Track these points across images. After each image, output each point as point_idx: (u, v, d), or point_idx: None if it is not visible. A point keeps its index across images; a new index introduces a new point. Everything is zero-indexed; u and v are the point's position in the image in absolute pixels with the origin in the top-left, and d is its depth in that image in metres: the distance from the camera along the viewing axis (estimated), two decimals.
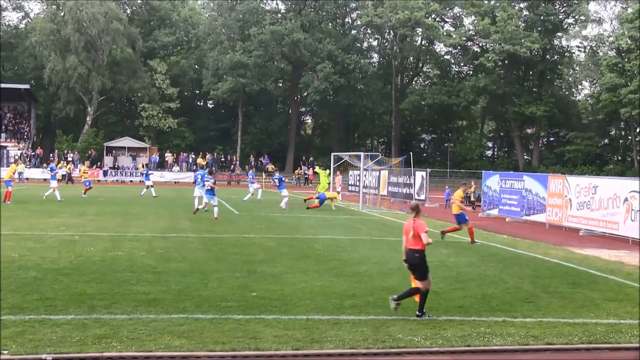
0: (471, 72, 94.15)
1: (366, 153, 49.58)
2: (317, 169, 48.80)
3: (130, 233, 24.64)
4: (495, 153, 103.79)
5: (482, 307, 13.72)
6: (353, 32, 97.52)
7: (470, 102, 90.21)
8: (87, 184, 47.43)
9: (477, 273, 17.79)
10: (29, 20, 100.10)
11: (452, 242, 24.35)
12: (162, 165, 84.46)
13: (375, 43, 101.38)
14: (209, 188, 32.43)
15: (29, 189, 53.86)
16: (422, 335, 11.42)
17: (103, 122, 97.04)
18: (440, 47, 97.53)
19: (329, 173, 49.11)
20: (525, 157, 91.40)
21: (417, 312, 12.71)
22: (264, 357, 10.18)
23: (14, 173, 40.34)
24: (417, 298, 12.89)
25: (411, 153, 44.40)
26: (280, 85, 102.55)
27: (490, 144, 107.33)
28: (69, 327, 11.22)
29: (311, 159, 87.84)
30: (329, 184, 47.73)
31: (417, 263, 12.94)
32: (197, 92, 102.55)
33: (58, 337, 10.59)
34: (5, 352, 9.84)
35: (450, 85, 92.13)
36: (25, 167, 75.82)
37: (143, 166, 53.30)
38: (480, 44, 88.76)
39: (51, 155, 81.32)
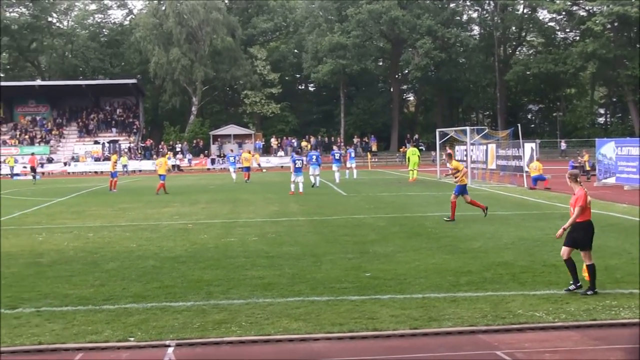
0: (578, 38, 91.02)
1: (472, 127, 49.05)
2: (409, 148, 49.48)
3: (241, 219, 24.94)
4: (608, 120, 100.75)
5: (606, 279, 13.20)
6: (452, 5, 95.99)
7: (578, 69, 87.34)
8: (246, 170, 49.72)
9: (597, 244, 17.08)
10: (133, 17, 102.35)
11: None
12: (267, 150, 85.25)
13: (475, 15, 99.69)
14: (300, 167, 35.92)
15: (141, 181, 55.17)
16: (543, 310, 11.17)
17: (208, 111, 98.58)
18: (543, 14, 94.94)
19: (421, 151, 49.24)
20: None
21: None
22: (382, 337, 10.13)
23: (115, 163, 42.56)
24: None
25: (518, 125, 43.48)
26: (381, 64, 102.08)
27: (602, 111, 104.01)
28: (189, 313, 11.43)
29: (416, 136, 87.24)
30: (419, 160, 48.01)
31: None
32: (298, 76, 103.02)
33: (180, 324, 10.80)
34: (132, 339, 10.10)
35: (556, 53, 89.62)
36: (137, 159, 77.77)
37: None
38: (587, 8, 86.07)
39: (159, 146, 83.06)
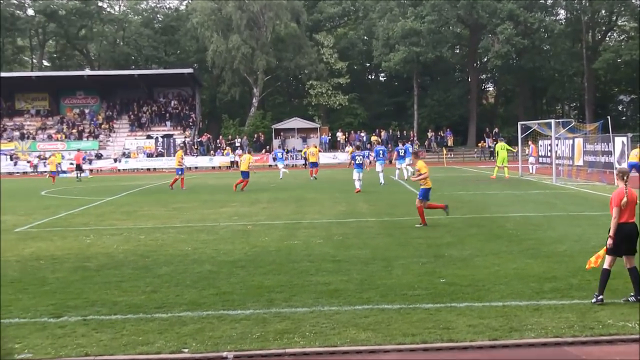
0: None
1: (557, 120, 48.44)
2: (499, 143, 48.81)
3: (306, 220, 25.00)
4: None
5: None
6: None
7: None
8: (313, 165, 51.34)
9: None
10: (190, 1, 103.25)
11: None
12: (334, 145, 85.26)
13: None
14: (360, 162, 36.47)
15: (198, 178, 55.67)
16: (636, 321, 10.97)
17: (270, 103, 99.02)
18: None
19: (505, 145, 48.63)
20: None
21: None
22: (459, 349, 10.05)
23: (182, 159, 43.12)
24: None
25: (608, 117, 42.79)
26: (457, 51, 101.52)
27: None
28: (249, 322, 11.47)
29: (496, 130, 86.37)
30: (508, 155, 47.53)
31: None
32: (368, 65, 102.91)
33: (238, 334, 10.83)
34: (186, 350, 10.16)
35: None
36: (193, 155, 78.29)
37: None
38: None
39: (217, 141, 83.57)
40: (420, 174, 23.05)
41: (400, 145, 48.31)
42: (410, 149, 48.42)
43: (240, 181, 39.92)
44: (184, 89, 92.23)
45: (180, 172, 42.78)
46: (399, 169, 45.73)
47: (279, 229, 22.58)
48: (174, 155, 67.47)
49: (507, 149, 47.44)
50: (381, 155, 42.06)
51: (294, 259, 16.89)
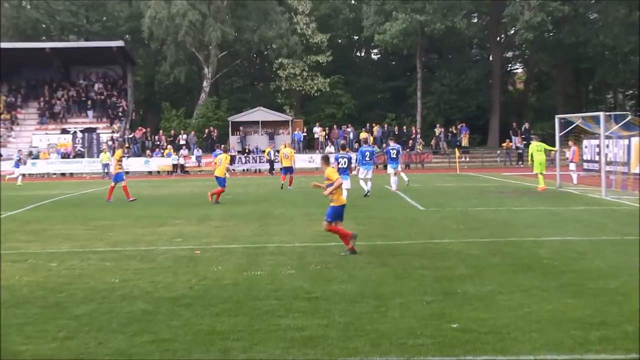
0: None
1: (608, 113, 48.61)
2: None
3: (272, 243, 24.98)
4: None
5: None
6: None
7: None
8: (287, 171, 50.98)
9: None
10: None
11: None
12: (310, 144, 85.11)
13: None
14: (345, 167, 36.55)
15: (130, 186, 55.40)
16: None
17: (226, 88, 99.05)
18: None
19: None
20: None
21: None
22: None
23: (120, 162, 42.99)
24: None
25: None
26: (475, 21, 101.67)
27: None
28: None
29: (526, 125, 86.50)
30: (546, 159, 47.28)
31: None
32: (356, 38, 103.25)
33: None
34: None
35: None
36: (123, 156, 77.74)
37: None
38: None
39: (156, 137, 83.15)
40: (332, 184, 22.58)
41: (391, 144, 47.59)
42: (401, 150, 48.37)
43: (220, 190, 40.35)
44: (112, 68, 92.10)
45: (118, 179, 42.57)
46: (395, 173, 45.32)
47: (236, 256, 22.54)
48: (98, 157, 67.63)
49: (546, 150, 46.91)
50: (367, 158, 41.74)
51: (257, 296, 16.84)
